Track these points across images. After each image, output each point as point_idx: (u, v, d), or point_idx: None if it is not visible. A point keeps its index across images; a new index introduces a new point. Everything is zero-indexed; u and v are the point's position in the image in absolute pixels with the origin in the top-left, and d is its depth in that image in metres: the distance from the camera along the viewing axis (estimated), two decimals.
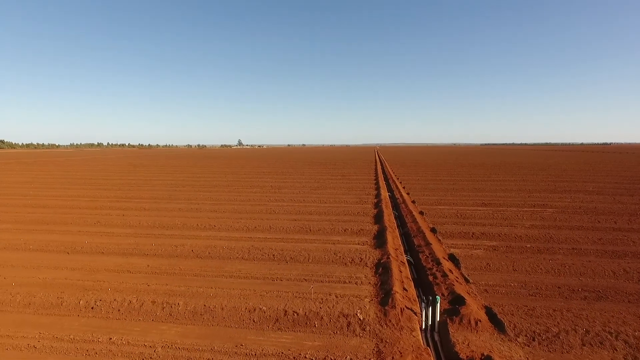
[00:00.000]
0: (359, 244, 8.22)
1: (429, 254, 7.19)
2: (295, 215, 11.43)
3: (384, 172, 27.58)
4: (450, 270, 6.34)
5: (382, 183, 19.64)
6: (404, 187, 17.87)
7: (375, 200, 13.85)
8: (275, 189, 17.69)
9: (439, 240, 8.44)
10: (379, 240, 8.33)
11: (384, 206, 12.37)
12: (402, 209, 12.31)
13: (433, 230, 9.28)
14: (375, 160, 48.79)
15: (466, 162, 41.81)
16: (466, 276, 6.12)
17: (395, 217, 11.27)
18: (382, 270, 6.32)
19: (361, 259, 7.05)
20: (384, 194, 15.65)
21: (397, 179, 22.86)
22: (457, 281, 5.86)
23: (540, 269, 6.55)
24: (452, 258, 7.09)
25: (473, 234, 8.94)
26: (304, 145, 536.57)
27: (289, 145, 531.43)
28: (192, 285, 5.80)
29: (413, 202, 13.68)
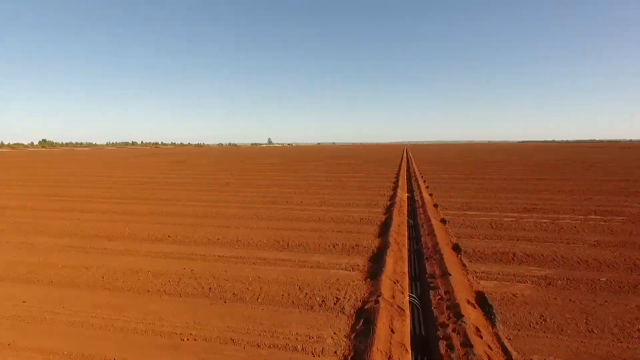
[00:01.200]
0: (345, 268, 5.75)
1: (446, 293, 4.61)
2: (280, 222, 9.07)
3: (408, 170, 24.71)
4: (477, 329, 3.78)
5: (402, 182, 16.94)
6: (427, 187, 15.10)
7: (389, 203, 11.28)
8: (278, 187, 15.46)
9: (464, 265, 5.80)
10: (376, 264, 5.81)
11: (396, 211, 9.80)
12: (419, 215, 9.66)
13: (456, 249, 6.64)
14: (402, 157, 45.64)
15: (503, 158, 37.94)
16: (507, 346, 3.54)
17: (409, 226, 8.68)
18: (364, 326, 3.85)
19: (337, 300, 4.59)
20: (402, 195, 13.00)
21: (422, 177, 20.03)
22: (490, 358, 3.31)
23: (637, 330, 3.84)
24: (482, 302, 4.49)
25: (514, 255, 6.23)
26: (334, 143, 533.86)
27: (318, 143, 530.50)
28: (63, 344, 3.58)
29: (435, 205, 10.98)
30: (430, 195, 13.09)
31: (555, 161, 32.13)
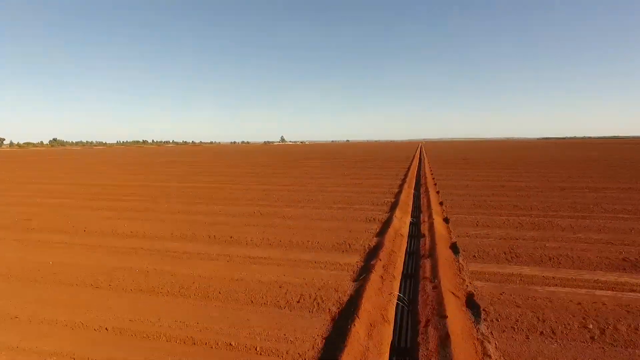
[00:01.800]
0: None
1: None
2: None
3: (418, 174, 19.80)
4: None
5: (406, 195, 12.11)
6: (441, 203, 10.35)
7: (374, 243, 6.62)
8: (256, 200, 10.95)
9: None
10: None
11: (381, 264, 5.18)
12: (423, 282, 4.98)
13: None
14: (414, 156, 40.53)
15: (532, 158, 32.41)
16: None
17: (403, 276, 4.07)
18: None
19: None
20: (400, 222, 8.27)
21: (435, 183, 15.23)
22: None
23: None
24: None
25: None
26: (348, 141, 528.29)
27: (332, 141, 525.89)
28: None
29: (453, 248, 6.25)
30: (446, 221, 8.33)
31: (606, 159, 26.57)
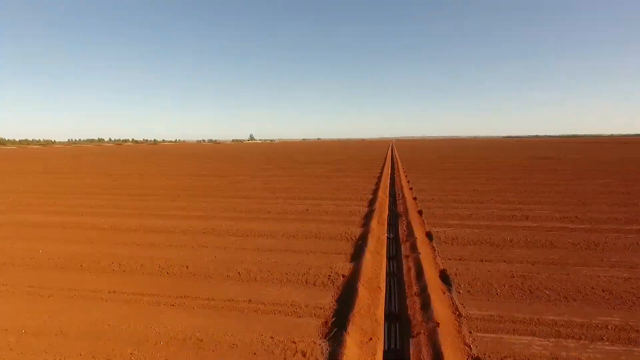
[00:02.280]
0: None
1: None
2: None
3: (392, 186, 16.08)
4: None
5: (374, 242, 8.12)
6: (431, 244, 6.63)
7: None
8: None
9: None
10: None
11: None
12: None
13: None
14: (386, 157, 37.05)
15: (526, 160, 29.39)
16: None
17: None
18: None
19: None
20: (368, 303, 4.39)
21: (415, 200, 11.54)
22: None
23: None
24: None
25: None
26: (319, 139, 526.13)
27: (303, 139, 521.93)
28: None
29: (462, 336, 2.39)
30: (447, 291, 4.50)
31: (602, 162, 23.97)
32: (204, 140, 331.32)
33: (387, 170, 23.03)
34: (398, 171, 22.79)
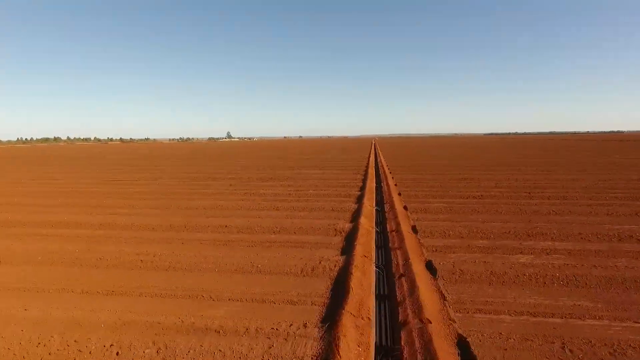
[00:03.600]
0: None
1: None
2: None
3: (380, 201, 10.61)
4: None
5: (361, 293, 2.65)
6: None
7: None
8: None
9: None
10: None
11: None
12: None
13: None
14: (369, 157, 31.53)
15: (531, 160, 24.37)
16: None
17: None
18: None
19: None
20: None
21: (410, 219, 6.14)
22: None
23: None
24: None
25: None
26: (301, 137, 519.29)
27: (285, 137, 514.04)
28: None
29: None
30: None
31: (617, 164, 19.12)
32: (174, 139, 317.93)
33: (372, 170, 17.42)
34: (388, 191, 17.19)
